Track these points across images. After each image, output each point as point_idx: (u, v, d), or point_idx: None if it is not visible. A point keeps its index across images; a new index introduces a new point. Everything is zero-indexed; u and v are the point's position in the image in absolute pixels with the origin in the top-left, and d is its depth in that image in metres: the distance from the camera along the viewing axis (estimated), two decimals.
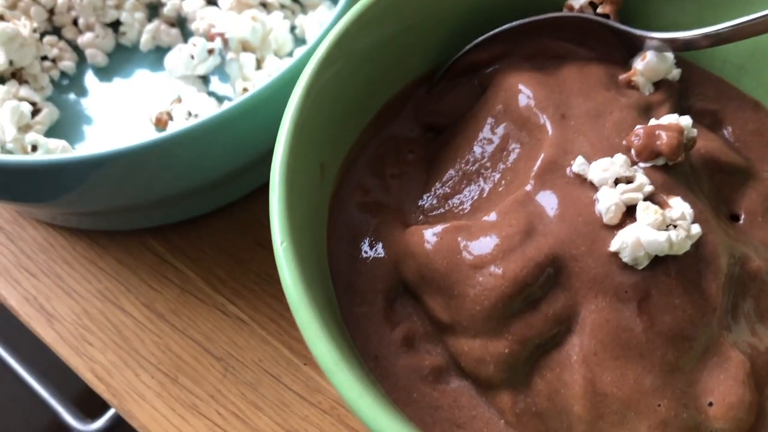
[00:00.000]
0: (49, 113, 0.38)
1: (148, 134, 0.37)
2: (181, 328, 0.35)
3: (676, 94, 0.30)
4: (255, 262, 0.37)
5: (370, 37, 0.28)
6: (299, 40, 0.41)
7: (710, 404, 0.24)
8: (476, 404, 0.25)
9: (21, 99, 0.37)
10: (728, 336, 0.25)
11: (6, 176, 0.30)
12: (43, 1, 0.40)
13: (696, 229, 0.24)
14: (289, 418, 0.33)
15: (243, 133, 0.31)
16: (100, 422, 0.52)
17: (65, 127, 0.39)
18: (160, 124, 0.38)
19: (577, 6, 0.30)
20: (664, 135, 0.26)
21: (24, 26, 0.37)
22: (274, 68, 0.37)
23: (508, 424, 0.25)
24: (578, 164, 0.26)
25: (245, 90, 0.37)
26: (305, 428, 0.33)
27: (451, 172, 0.29)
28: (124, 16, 0.41)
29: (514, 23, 0.31)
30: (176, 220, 0.37)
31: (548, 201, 0.26)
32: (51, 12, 0.41)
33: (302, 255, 0.23)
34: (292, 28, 0.40)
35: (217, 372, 0.34)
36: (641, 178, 0.25)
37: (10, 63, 0.38)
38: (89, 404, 0.54)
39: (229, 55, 0.38)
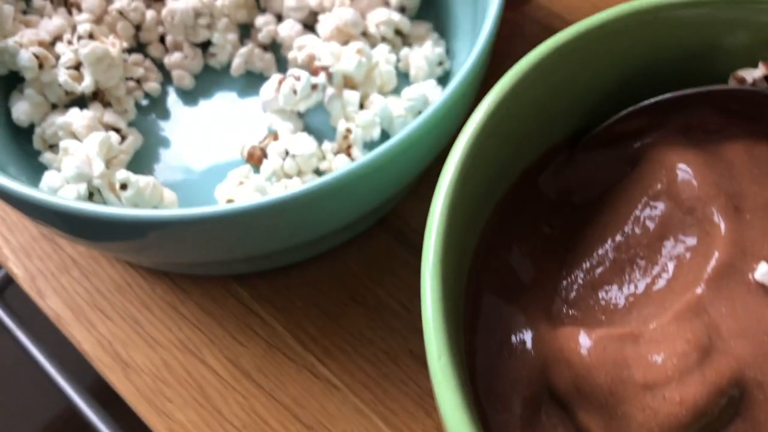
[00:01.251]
0: (133, 141, 0.35)
1: (243, 170, 0.34)
2: (268, 389, 0.32)
3: None
4: (348, 318, 0.34)
5: (522, 104, 0.25)
6: (401, 75, 0.37)
7: None
8: None
9: (106, 126, 0.34)
10: None
11: (94, 226, 0.28)
12: (131, 16, 0.37)
13: None
14: None
15: (372, 188, 0.28)
16: None
17: (147, 155, 0.36)
18: (253, 159, 0.35)
19: (750, 79, 0.27)
20: None
21: (113, 45, 0.34)
22: (379, 108, 0.34)
23: None
24: (762, 272, 0.23)
25: (348, 131, 0.34)
26: None
27: (598, 256, 0.26)
28: (215, 38, 0.38)
29: (674, 93, 0.27)
30: (263, 268, 0.34)
31: (726, 312, 0.22)
32: (137, 28, 0.38)
33: (458, 370, 0.20)
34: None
35: None
36: None
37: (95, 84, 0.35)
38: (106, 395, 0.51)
39: (331, 91, 0.35)
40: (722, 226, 0.24)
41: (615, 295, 0.25)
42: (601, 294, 0.25)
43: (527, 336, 0.24)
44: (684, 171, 0.26)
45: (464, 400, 0.19)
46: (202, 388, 0.33)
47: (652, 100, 0.27)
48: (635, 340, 0.22)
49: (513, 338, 0.25)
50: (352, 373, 0.33)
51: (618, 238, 0.26)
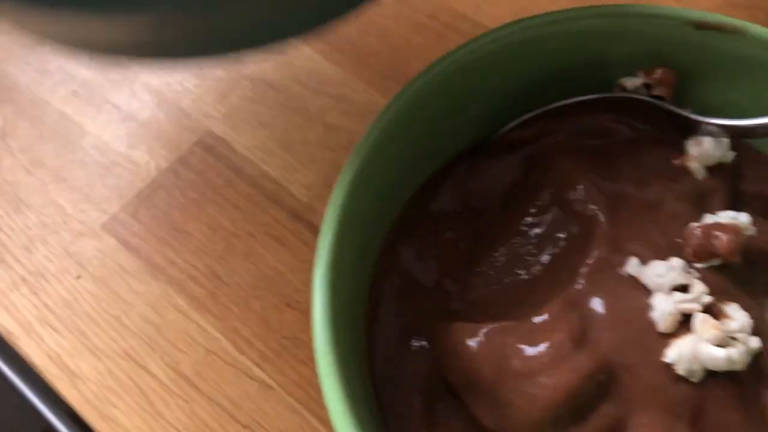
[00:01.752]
0: None
1: None
2: (207, 392, 0.34)
3: (730, 179, 0.29)
4: (282, 323, 0.36)
5: (416, 119, 0.27)
6: None
7: None
8: None
9: None
10: None
11: None
12: None
13: (755, 342, 0.23)
14: None
15: None
16: None
17: None
18: None
19: (630, 86, 0.29)
20: (722, 236, 0.25)
21: None
22: None
23: None
24: (632, 266, 0.25)
25: None
26: None
27: (494, 257, 0.28)
28: None
29: (563, 102, 0.29)
30: None
31: (600, 304, 0.25)
32: None
33: (347, 369, 0.22)
34: None
35: None
36: (698, 287, 0.24)
37: None
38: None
39: None
40: (601, 223, 0.26)
41: (506, 289, 0.27)
42: (495, 288, 0.27)
43: (426, 332, 0.27)
44: (570, 174, 0.28)
45: (347, 394, 0.21)
46: (145, 394, 0.34)
47: (544, 108, 0.29)
48: (516, 332, 0.25)
49: (413, 338, 0.27)
50: (286, 374, 0.35)
51: (512, 239, 0.28)
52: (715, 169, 0.29)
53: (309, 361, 0.35)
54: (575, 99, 0.29)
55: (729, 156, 0.29)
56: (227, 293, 0.37)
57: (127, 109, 0.42)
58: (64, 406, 0.51)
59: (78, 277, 0.37)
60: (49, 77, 0.43)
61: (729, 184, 0.29)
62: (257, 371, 0.35)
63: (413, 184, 0.29)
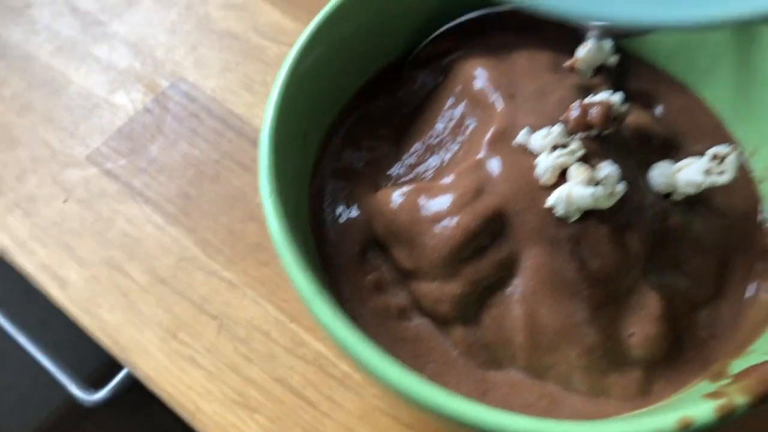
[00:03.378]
0: None
1: None
2: (180, 291, 0.39)
3: (614, 77, 0.35)
4: (246, 233, 0.41)
5: (346, 26, 0.32)
6: None
7: (631, 335, 0.28)
8: (434, 337, 0.29)
9: None
10: (648, 279, 0.29)
11: None
12: None
13: (621, 187, 0.29)
14: (277, 368, 0.37)
15: None
16: (103, 392, 0.56)
17: None
18: None
19: None
20: (595, 109, 0.30)
21: None
22: None
23: (460, 353, 0.29)
24: (522, 135, 0.30)
25: None
26: (291, 376, 0.37)
27: (418, 145, 0.33)
28: None
29: (470, 15, 0.35)
30: None
31: (496, 166, 0.30)
32: None
33: (286, 208, 0.27)
34: None
35: (212, 329, 0.38)
36: (574, 145, 0.29)
37: None
38: (93, 376, 0.58)
39: None
40: (499, 106, 0.32)
41: (426, 168, 0.32)
42: (417, 170, 0.33)
43: (358, 203, 0.32)
44: (476, 74, 0.33)
45: (287, 225, 0.26)
46: (125, 294, 0.39)
47: (453, 23, 0.35)
48: (428, 191, 0.30)
49: (348, 205, 0.32)
50: (249, 273, 0.40)
51: (431, 131, 0.33)
52: (600, 70, 0.34)
53: (269, 263, 0.40)
54: (481, 12, 0.35)
55: (613, 60, 0.35)
56: (198, 210, 0.42)
57: (107, 61, 0.48)
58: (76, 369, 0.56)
59: (65, 201, 0.42)
60: (36, 36, 0.49)
61: (612, 82, 0.34)
62: (225, 273, 0.40)
63: (349, 90, 0.35)
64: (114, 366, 0.48)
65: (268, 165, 0.27)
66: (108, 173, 0.43)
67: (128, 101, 0.46)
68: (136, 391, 0.49)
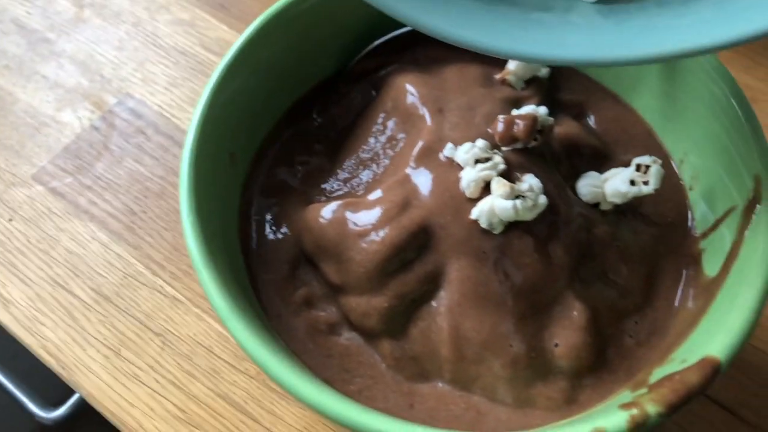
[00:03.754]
0: None
1: None
2: (124, 308, 0.39)
3: (545, 89, 0.35)
4: None
5: (272, 47, 0.33)
6: None
7: (556, 345, 0.29)
8: (363, 352, 0.29)
9: None
10: (573, 289, 0.29)
11: None
12: None
13: (543, 199, 0.29)
14: (220, 383, 0.37)
15: None
16: (62, 410, 0.56)
17: None
18: None
19: None
20: (520, 122, 0.31)
21: None
22: None
23: (388, 367, 0.29)
24: (448, 149, 0.30)
25: None
26: (233, 392, 0.37)
27: (351, 160, 0.34)
28: None
29: (402, 29, 0.35)
30: None
31: (423, 180, 0.30)
32: None
33: (208, 227, 0.27)
34: None
35: (156, 346, 0.38)
36: (496, 159, 0.30)
37: None
38: (51, 394, 0.58)
39: None
40: (427, 121, 0.32)
41: (359, 183, 0.33)
42: (349, 185, 0.33)
43: (289, 219, 0.32)
44: (407, 89, 0.33)
45: (206, 244, 0.27)
46: (69, 312, 0.39)
47: (383, 38, 0.35)
48: (356, 206, 0.30)
49: (279, 221, 0.32)
50: (194, 290, 0.40)
51: (364, 145, 0.34)
52: (532, 82, 0.35)
53: None
54: (406, 29, 0.35)
55: (545, 72, 0.35)
56: (142, 227, 0.42)
57: (54, 79, 0.48)
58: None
59: (10, 220, 0.42)
60: None
61: (543, 94, 0.35)
62: (169, 289, 0.40)
63: (281, 108, 0.35)
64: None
65: (188, 186, 0.27)
66: (53, 191, 0.43)
67: (75, 119, 0.46)
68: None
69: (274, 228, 0.32)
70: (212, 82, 0.30)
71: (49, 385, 0.58)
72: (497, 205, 0.28)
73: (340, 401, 0.24)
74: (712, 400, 0.37)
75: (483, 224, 0.29)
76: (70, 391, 0.57)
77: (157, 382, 0.37)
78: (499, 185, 0.29)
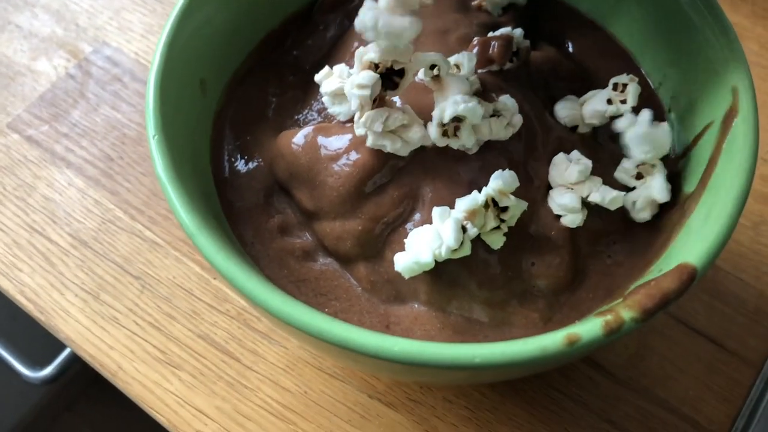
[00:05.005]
0: None
1: None
2: (102, 252, 0.39)
3: (522, 16, 0.34)
4: None
5: None
6: None
7: (532, 264, 0.28)
8: (338, 276, 0.29)
9: None
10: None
11: None
12: None
13: (518, 119, 0.29)
14: (200, 324, 0.37)
15: None
16: (49, 369, 0.56)
17: None
18: None
19: None
20: (495, 44, 0.30)
21: None
22: None
23: (364, 290, 0.29)
24: (421, 73, 0.30)
25: None
26: (214, 332, 0.37)
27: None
28: None
29: None
30: None
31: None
32: None
33: (175, 149, 0.27)
34: None
35: (135, 289, 0.38)
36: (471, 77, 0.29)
37: None
38: (38, 354, 0.57)
39: None
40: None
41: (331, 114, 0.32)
42: (323, 115, 0.32)
43: (262, 147, 0.31)
44: None
45: (174, 167, 0.26)
46: (47, 257, 0.39)
47: None
48: (328, 130, 0.30)
49: (252, 150, 0.32)
50: (173, 233, 0.39)
51: None
52: (509, 9, 0.34)
53: None
54: None
55: None
56: (120, 172, 0.41)
57: (28, 28, 0.47)
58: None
59: None
60: None
61: (521, 20, 0.34)
62: (148, 233, 0.40)
63: (254, 39, 0.34)
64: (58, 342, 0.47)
65: (153, 106, 0.27)
66: (29, 139, 0.42)
67: (50, 68, 0.45)
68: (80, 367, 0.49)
69: (246, 157, 0.31)
70: (179, 4, 0.29)
71: (37, 345, 0.58)
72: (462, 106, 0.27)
73: (310, 311, 0.23)
74: (696, 331, 0.37)
75: (456, 145, 0.28)
76: (57, 351, 0.57)
77: (137, 324, 0.37)
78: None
